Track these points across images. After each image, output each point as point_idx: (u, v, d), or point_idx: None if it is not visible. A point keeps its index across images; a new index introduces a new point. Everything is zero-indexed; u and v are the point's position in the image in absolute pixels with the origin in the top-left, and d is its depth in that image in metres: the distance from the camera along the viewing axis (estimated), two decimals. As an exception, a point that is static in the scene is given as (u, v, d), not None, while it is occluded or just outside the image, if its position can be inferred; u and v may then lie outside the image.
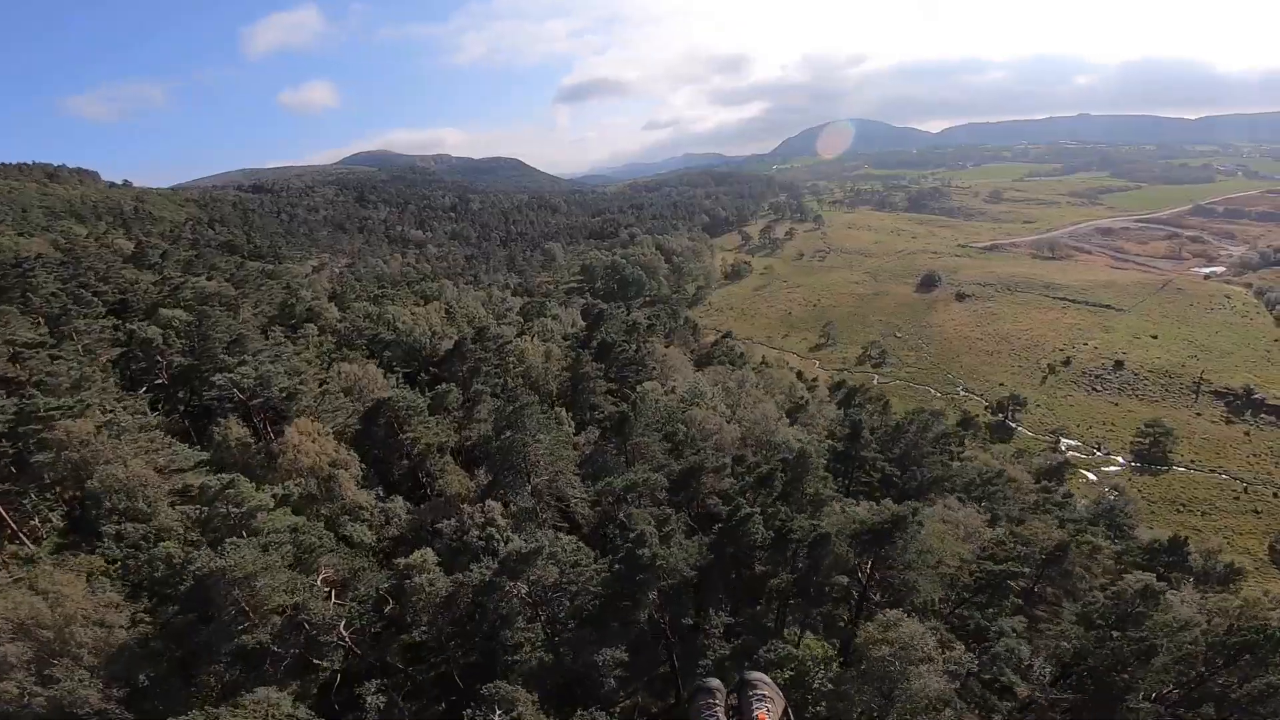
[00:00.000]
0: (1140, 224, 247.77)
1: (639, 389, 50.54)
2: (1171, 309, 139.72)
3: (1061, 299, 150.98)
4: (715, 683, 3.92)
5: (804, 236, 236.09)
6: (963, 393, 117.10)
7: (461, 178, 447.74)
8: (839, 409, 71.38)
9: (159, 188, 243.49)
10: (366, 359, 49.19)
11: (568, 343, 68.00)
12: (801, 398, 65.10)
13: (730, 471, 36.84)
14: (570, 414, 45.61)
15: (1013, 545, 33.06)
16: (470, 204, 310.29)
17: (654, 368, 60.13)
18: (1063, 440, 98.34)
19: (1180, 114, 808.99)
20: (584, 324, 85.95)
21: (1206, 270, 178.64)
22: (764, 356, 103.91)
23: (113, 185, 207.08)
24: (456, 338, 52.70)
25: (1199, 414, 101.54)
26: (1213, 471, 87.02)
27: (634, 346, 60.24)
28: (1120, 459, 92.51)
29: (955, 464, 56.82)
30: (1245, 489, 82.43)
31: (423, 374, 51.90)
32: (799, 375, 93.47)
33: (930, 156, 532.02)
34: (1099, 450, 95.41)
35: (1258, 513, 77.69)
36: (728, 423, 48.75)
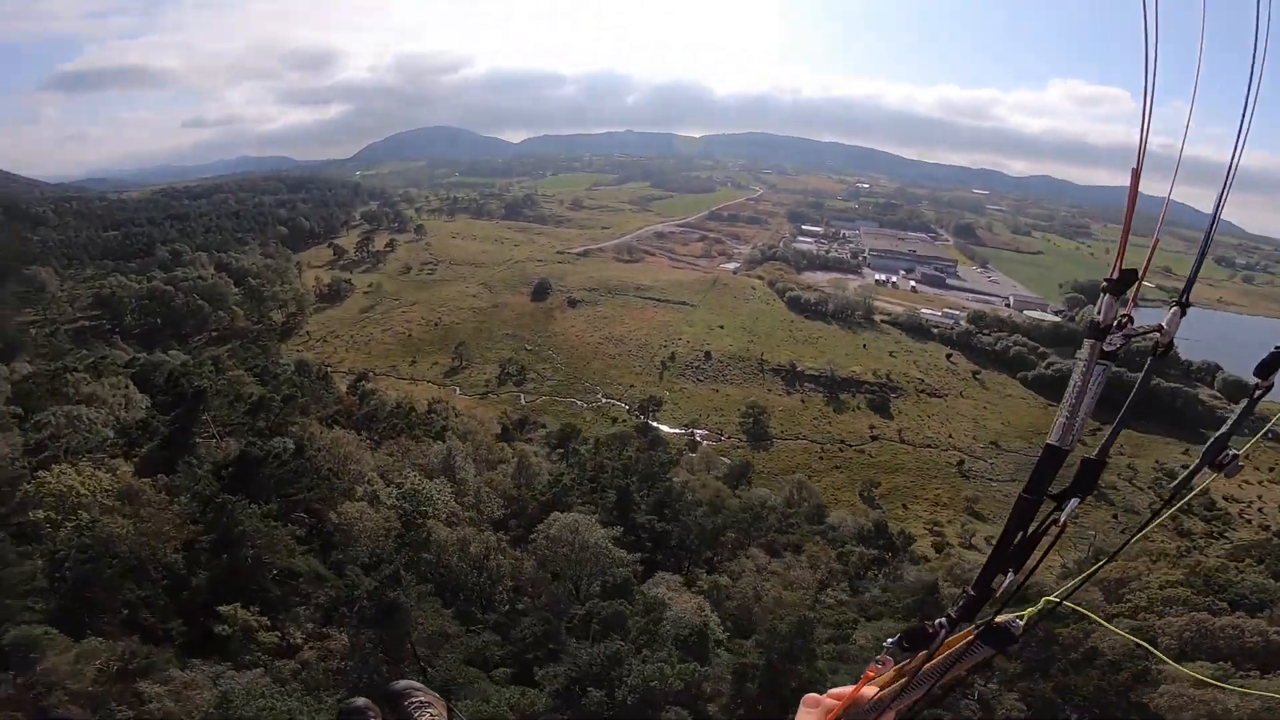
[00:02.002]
0: (681, 228, 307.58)
1: (339, 516, 32.48)
2: (725, 301, 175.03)
3: (650, 299, 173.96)
4: (363, 702, 3.52)
5: (407, 248, 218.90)
6: (604, 400, 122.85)
7: None
8: (555, 457, 63.03)
9: None
10: None
11: (143, 448, 41.63)
12: (563, 477, 52.68)
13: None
14: (252, 610, 25.16)
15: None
16: None
17: (329, 469, 40.59)
18: (695, 431, 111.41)
19: (689, 133, 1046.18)
20: (148, 403, 55.65)
21: (731, 266, 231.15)
22: (429, 403, 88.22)
23: None
24: None
25: (769, 390, 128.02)
26: (797, 439, 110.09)
27: (288, 447, 39.06)
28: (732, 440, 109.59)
29: (689, 495, 55.17)
30: (823, 449, 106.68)
31: None
32: (505, 430, 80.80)
33: (515, 165, 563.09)
34: (722, 436, 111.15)
35: (839, 468, 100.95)
36: (481, 531, 35.22)
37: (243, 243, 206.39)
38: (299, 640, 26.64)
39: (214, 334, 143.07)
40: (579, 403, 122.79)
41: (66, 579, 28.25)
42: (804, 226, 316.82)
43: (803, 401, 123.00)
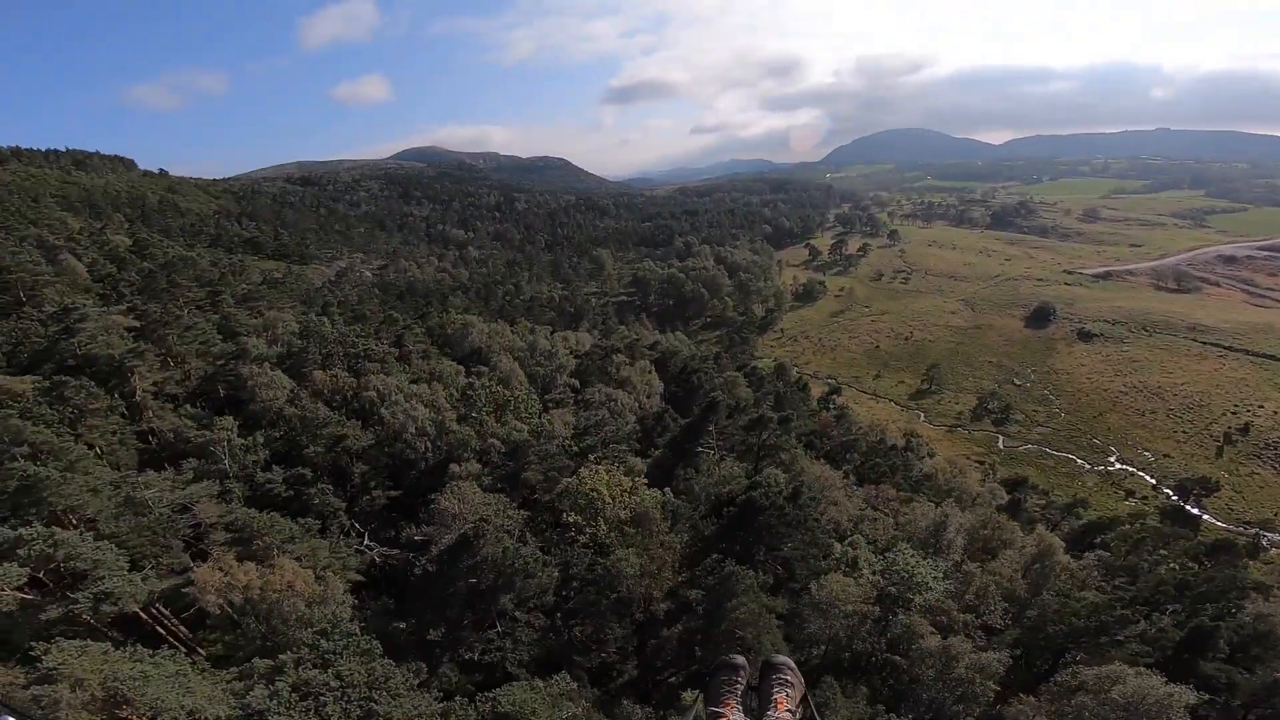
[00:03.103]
0: (1264, 252, 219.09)
1: (819, 590, 30.65)
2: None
3: (1211, 344, 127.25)
4: (740, 660, 3.85)
5: (879, 253, 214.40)
6: (1117, 465, 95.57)
7: (508, 176, 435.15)
8: (1072, 554, 50.42)
9: (200, 178, 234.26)
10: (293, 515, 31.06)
11: (656, 449, 47.52)
12: (1115, 605, 39.67)
13: None
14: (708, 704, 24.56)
15: None
16: (515, 204, 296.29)
17: (816, 519, 37.97)
18: (1265, 535, 76.94)
19: (1268, 130, 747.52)
20: (662, 390, 65.20)
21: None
22: (905, 437, 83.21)
23: (146, 174, 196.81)
24: (473, 520, 30.44)
25: None
26: None
27: (782, 489, 37.55)
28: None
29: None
30: None
31: (406, 551, 33.36)
32: (1014, 503, 68.90)
33: (998, 169, 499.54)
34: (1322, 559, 73.70)
35: None
36: (977, 649, 29.18)
37: (734, 238, 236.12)
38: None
39: (708, 319, 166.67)
40: (1080, 461, 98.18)
41: (567, 599, 30.08)
42: None
43: None
